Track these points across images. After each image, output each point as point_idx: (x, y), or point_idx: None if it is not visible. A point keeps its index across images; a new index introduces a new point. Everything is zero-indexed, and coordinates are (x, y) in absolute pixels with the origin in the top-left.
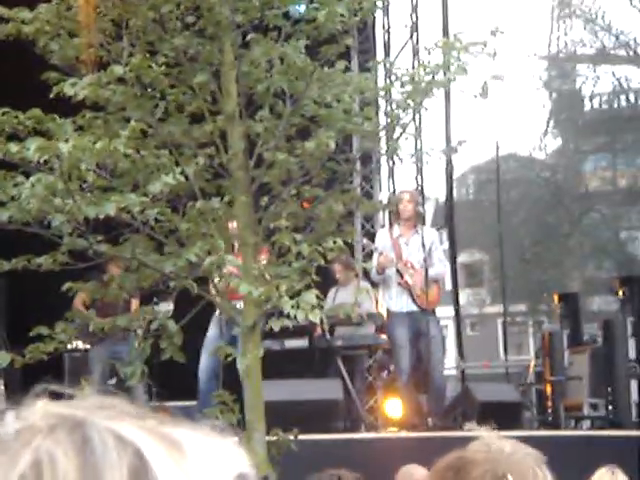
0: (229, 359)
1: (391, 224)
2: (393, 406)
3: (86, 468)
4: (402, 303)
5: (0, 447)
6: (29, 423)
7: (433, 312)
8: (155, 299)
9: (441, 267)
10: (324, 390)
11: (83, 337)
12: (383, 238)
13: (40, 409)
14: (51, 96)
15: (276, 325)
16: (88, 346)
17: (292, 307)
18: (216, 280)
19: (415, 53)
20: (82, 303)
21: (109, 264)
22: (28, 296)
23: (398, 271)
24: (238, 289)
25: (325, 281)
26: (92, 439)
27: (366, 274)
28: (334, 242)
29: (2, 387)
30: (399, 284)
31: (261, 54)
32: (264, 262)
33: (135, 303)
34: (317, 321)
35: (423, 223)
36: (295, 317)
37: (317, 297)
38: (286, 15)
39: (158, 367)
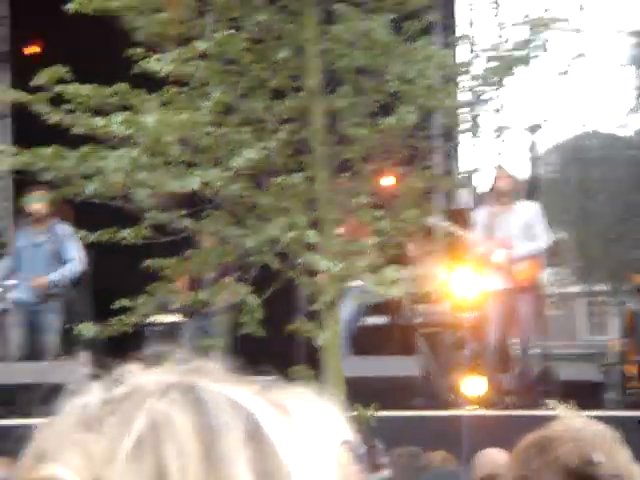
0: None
1: (485, 201)
2: (473, 384)
3: (203, 428)
4: (496, 280)
5: (109, 408)
6: (139, 386)
7: (530, 289)
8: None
9: (541, 242)
10: (403, 367)
11: (175, 310)
12: (480, 215)
13: (147, 374)
14: (135, 72)
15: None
16: (172, 319)
17: (373, 282)
18: (296, 256)
19: (499, 29)
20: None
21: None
22: (115, 268)
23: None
24: (318, 264)
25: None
26: (206, 401)
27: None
28: (413, 219)
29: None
30: (492, 262)
31: (344, 29)
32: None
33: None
34: (400, 296)
35: (523, 198)
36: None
37: (397, 272)
38: None
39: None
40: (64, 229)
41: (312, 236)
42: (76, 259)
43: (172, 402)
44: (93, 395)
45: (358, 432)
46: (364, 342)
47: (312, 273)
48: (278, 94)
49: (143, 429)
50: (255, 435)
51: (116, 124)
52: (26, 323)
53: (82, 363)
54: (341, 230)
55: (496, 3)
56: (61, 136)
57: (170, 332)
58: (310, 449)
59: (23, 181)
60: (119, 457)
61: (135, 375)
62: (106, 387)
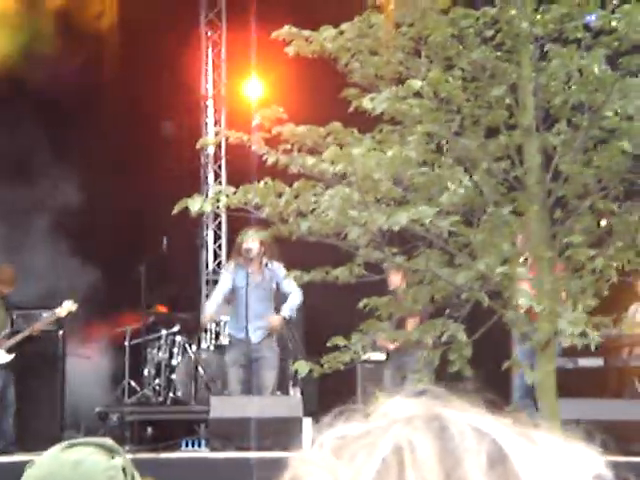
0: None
1: None
2: None
3: (445, 453)
4: None
5: (357, 437)
6: (385, 415)
7: None
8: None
9: None
10: (621, 410)
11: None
12: None
13: (393, 403)
14: (350, 110)
15: (566, 342)
16: (380, 357)
17: (584, 324)
18: (508, 294)
19: None
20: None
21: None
22: (321, 308)
23: None
24: (528, 305)
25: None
26: (449, 427)
27: None
28: (628, 259)
29: (299, 395)
30: None
31: (559, 66)
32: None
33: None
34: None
35: None
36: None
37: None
38: (586, 27)
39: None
40: (278, 266)
41: (523, 273)
42: (298, 292)
43: (416, 429)
44: (343, 426)
45: (609, 468)
46: (577, 384)
47: (525, 311)
48: (491, 132)
49: (387, 454)
50: (499, 461)
51: (327, 161)
52: (244, 359)
53: (297, 400)
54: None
55: None
56: (272, 176)
57: (375, 369)
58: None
59: (237, 220)
60: None
61: (382, 406)
62: (355, 418)
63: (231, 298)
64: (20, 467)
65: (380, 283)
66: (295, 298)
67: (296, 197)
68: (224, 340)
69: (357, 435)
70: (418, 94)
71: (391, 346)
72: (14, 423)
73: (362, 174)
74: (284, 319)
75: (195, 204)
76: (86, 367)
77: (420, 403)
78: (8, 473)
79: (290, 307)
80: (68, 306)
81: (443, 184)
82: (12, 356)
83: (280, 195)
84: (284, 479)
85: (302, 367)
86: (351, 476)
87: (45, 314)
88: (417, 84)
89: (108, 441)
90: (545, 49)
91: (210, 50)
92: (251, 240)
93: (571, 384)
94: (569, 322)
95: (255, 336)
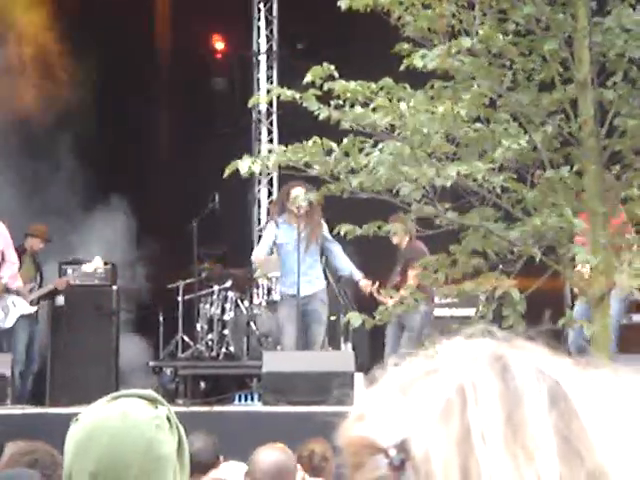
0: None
1: None
2: None
3: (507, 393)
4: None
5: (423, 376)
6: (451, 356)
7: None
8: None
9: None
10: None
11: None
12: None
13: (456, 345)
14: (402, 67)
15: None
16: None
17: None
18: (563, 250)
19: None
20: None
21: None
22: (371, 263)
23: None
24: (585, 260)
25: None
26: (511, 367)
27: None
28: None
29: (351, 350)
30: None
31: (616, 20)
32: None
33: None
34: None
35: None
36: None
37: None
38: None
39: None
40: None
41: (578, 224)
42: (340, 248)
43: (480, 369)
44: (411, 365)
45: None
46: (630, 340)
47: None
48: (545, 86)
49: (451, 393)
50: (559, 401)
51: (378, 114)
52: (296, 315)
53: (349, 354)
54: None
55: None
56: (324, 132)
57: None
58: (618, 420)
59: (289, 176)
60: (428, 419)
61: (447, 347)
62: (423, 359)
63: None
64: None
65: (431, 238)
66: (344, 255)
67: (346, 154)
68: (275, 296)
69: (422, 375)
70: (471, 49)
71: (390, 301)
72: (59, 376)
73: (412, 128)
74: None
75: (244, 166)
76: (140, 322)
77: (484, 344)
78: (62, 425)
79: (349, 264)
80: (96, 263)
81: (496, 140)
82: (35, 308)
83: (330, 152)
84: (350, 416)
85: (355, 318)
86: (415, 415)
87: (70, 270)
88: (468, 42)
89: (151, 392)
90: (601, 1)
91: (262, 5)
92: (300, 199)
93: (627, 339)
94: (628, 275)
95: (305, 290)
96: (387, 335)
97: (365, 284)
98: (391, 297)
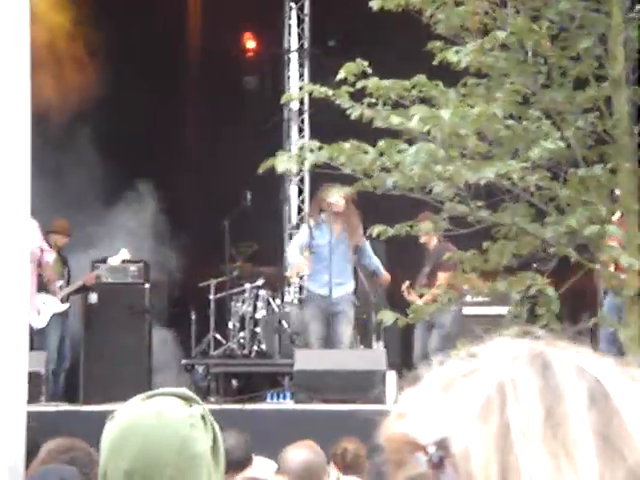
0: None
1: None
2: None
3: (547, 390)
4: None
5: (464, 375)
6: (491, 355)
7: None
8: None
9: None
10: None
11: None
12: None
13: (497, 344)
14: (434, 63)
15: None
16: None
17: None
18: (598, 249)
19: None
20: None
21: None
22: (404, 262)
23: None
24: (619, 260)
25: None
26: (552, 365)
27: None
28: None
29: (383, 348)
30: None
31: None
32: None
33: None
34: None
35: None
36: None
37: None
38: None
39: None
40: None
41: (613, 231)
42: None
43: (519, 366)
44: (451, 364)
45: None
46: None
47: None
48: (580, 84)
49: (491, 391)
50: (600, 399)
51: (414, 122)
52: (323, 314)
53: (381, 352)
54: None
55: None
56: (354, 130)
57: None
58: None
59: (320, 175)
60: (467, 417)
61: (487, 346)
62: (463, 358)
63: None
64: (107, 417)
65: (464, 237)
66: (372, 253)
67: (381, 154)
68: (303, 295)
69: (463, 373)
70: (504, 46)
71: (419, 302)
72: (95, 374)
73: (449, 131)
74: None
75: (281, 164)
76: (172, 320)
77: (524, 343)
78: (95, 422)
79: (377, 263)
80: (122, 255)
81: (530, 138)
82: (67, 305)
83: (366, 152)
84: (391, 415)
85: (387, 317)
86: (455, 413)
87: (98, 264)
88: (503, 35)
89: (186, 391)
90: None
91: (293, 3)
92: (335, 195)
93: None
94: None
95: (335, 291)
96: (416, 333)
97: (386, 279)
98: (421, 296)
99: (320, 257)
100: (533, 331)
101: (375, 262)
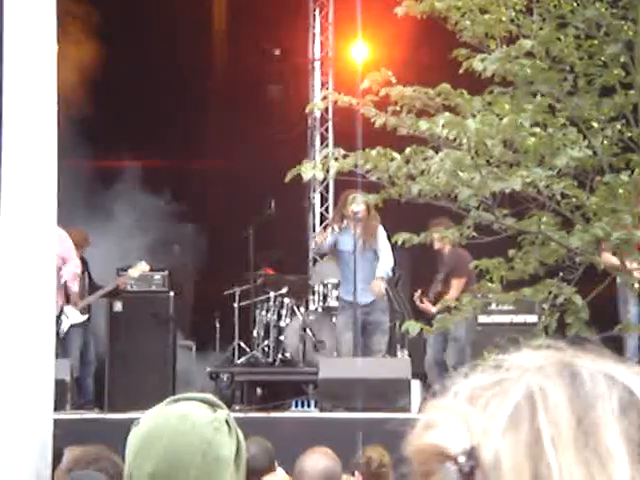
0: None
1: None
2: None
3: (577, 399)
4: None
5: (492, 385)
6: (518, 365)
7: None
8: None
9: None
10: None
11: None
12: None
13: (524, 354)
14: (460, 72)
15: None
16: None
17: None
18: (625, 255)
19: None
20: None
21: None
22: (428, 270)
23: None
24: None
25: None
26: (581, 374)
27: None
28: None
29: (407, 357)
30: None
31: None
32: None
33: None
34: None
35: None
36: None
37: None
38: None
39: None
40: (381, 230)
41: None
42: (390, 254)
43: (548, 376)
44: (479, 375)
45: None
46: None
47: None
48: (606, 91)
49: (520, 400)
50: (631, 407)
51: (440, 127)
52: (355, 322)
53: (406, 361)
54: None
55: None
56: (380, 140)
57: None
58: None
59: (344, 183)
60: (497, 426)
61: (513, 358)
62: (490, 369)
63: (335, 260)
64: (131, 425)
65: (488, 245)
66: (386, 258)
67: (407, 162)
68: (332, 302)
69: (490, 384)
70: (530, 54)
71: (433, 309)
72: (114, 381)
73: (475, 140)
74: (382, 279)
75: (308, 172)
76: (196, 328)
77: (550, 354)
78: (119, 430)
79: (383, 268)
80: (142, 267)
81: (555, 146)
82: (86, 316)
83: (391, 160)
84: (419, 425)
85: (413, 327)
86: (485, 422)
87: (118, 275)
88: (528, 43)
89: (210, 396)
90: None
91: (317, 12)
92: (359, 203)
93: None
94: None
95: (364, 297)
96: (428, 340)
97: (375, 285)
98: (434, 303)
99: (346, 264)
100: (556, 342)
101: (383, 265)
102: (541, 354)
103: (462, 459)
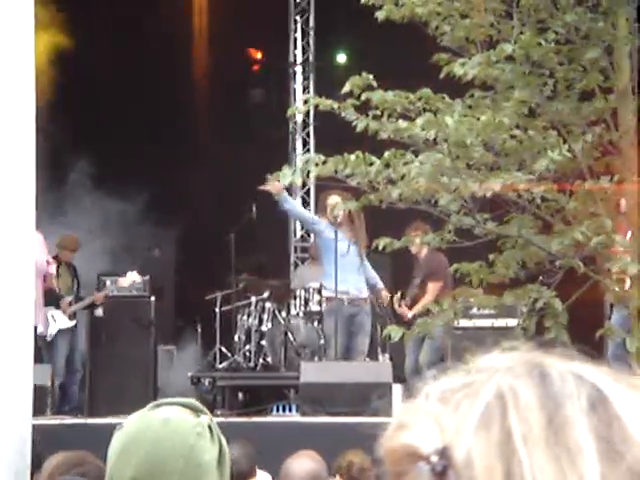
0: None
1: None
2: None
3: (547, 398)
4: None
5: (462, 386)
6: (488, 366)
7: None
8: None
9: None
10: None
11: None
12: None
13: (494, 356)
14: (441, 76)
15: None
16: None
17: None
18: (603, 260)
19: None
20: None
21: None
22: (408, 274)
23: None
24: (626, 269)
25: None
26: (550, 374)
27: None
28: None
29: (389, 361)
30: None
31: None
32: None
33: None
34: None
35: None
36: None
37: None
38: None
39: None
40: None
41: (620, 241)
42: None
43: (518, 376)
44: (450, 377)
45: None
46: None
47: (619, 279)
48: (585, 95)
49: (490, 400)
50: (600, 404)
51: (419, 127)
52: (341, 324)
53: (387, 365)
54: None
55: None
56: (361, 145)
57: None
58: None
59: (325, 187)
60: (468, 426)
61: (482, 361)
62: (461, 372)
63: (317, 256)
64: (113, 430)
65: (469, 249)
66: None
67: (386, 166)
68: (313, 307)
69: (461, 385)
70: (510, 58)
71: (409, 313)
72: (98, 387)
73: (454, 140)
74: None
75: (286, 177)
76: (178, 332)
77: (520, 355)
78: (100, 435)
79: (373, 275)
80: (132, 277)
81: (535, 149)
82: (74, 322)
83: (371, 164)
84: (391, 427)
85: (394, 332)
86: (456, 422)
87: (109, 282)
88: (509, 48)
89: (193, 401)
90: None
91: (299, 17)
92: (338, 210)
93: None
94: None
95: (354, 292)
96: (408, 347)
97: (385, 295)
98: (410, 307)
99: (333, 251)
100: (528, 344)
101: (374, 275)
102: (511, 355)
103: (434, 459)
